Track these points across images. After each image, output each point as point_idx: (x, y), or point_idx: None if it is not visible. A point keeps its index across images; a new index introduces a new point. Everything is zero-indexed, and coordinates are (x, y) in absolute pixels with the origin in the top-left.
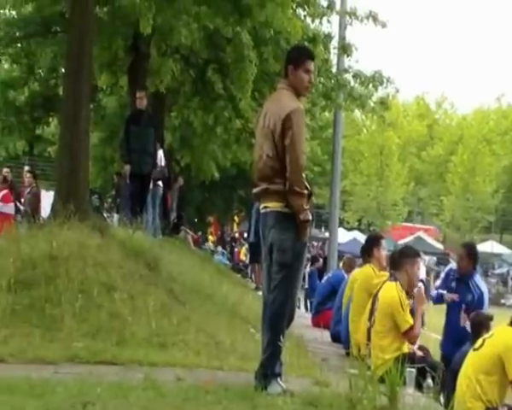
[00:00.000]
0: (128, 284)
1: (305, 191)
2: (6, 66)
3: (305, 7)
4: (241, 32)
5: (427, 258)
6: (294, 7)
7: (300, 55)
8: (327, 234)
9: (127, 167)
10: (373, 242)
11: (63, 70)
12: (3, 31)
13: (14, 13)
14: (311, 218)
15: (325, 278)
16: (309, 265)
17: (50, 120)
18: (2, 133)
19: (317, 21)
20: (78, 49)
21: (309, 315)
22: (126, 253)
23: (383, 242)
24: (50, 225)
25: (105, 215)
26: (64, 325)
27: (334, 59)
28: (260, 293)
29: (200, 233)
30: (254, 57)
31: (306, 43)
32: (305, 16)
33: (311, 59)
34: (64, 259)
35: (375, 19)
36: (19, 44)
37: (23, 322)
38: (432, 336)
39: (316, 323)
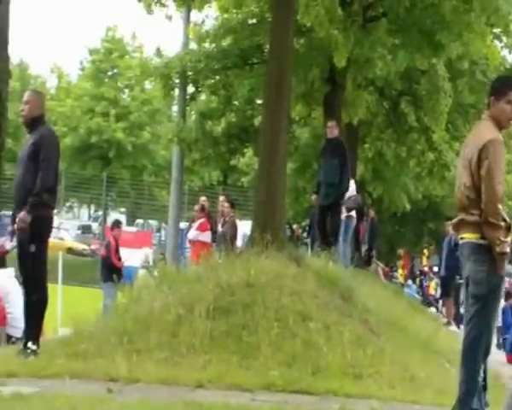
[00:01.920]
0: (323, 314)
1: (502, 223)
2: (203, 97)
3: (503, 38)
4: (437, 65)
5: None
6: (491, 38)
7: (502, 86)
8: None
9: (313, 198)
10: None
11: (259, 102)
12: (203, 63)
13: (213, 45)
14: (508, 250)
15: None
16: (503, 300)
17: (245, 150)
18: (199, 163)
19: None
20: (277, 79)
21: (502, 352)
22: (321, 283)
23: None
24: (248, 254)
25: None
26: (260, 353)
27: None
28: (452, 328)
29: (389, 266)
30: (449, 89)
31: None
32: (502, 48)
33: None
34: (261, 287)
35: None
36: (217, 76)
37: (221, 348)
38: None
39: None
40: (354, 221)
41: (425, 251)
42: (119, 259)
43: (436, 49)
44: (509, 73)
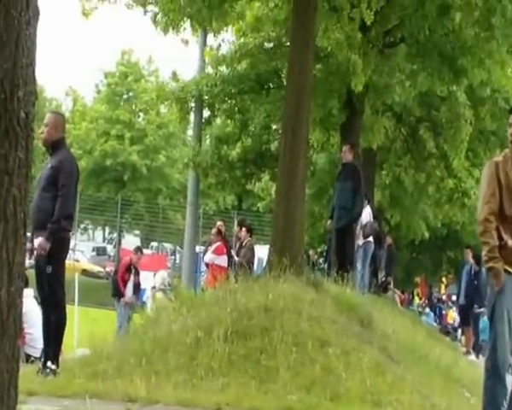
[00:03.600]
0: (342, 340)
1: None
2: (219, 121)
3: None
4: (457, 92)
5: None
6: None
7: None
8: None
9: (328, 223)
10: None
11: (275, 127)
12: (219, 87)
13: (229, 70)
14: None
15: None
16: None
17: (262, 175)
18: (215, 188)
19: None
20: (296, 104)
21: None
22: (339, 308)
23: None
24: (266, 278)
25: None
26: (279, 378)
27: None
28: (471, 357)
29: (406, 293)
30: (470, 116)
31: None
32: None
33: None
34: (279, 311)
35: None
36: (233, 100)
37: (239, 372)
38: None
39: None
40: (372, 246)
41: (443, 279)
42: (125, 281)
43: (457, 75)
44: None
